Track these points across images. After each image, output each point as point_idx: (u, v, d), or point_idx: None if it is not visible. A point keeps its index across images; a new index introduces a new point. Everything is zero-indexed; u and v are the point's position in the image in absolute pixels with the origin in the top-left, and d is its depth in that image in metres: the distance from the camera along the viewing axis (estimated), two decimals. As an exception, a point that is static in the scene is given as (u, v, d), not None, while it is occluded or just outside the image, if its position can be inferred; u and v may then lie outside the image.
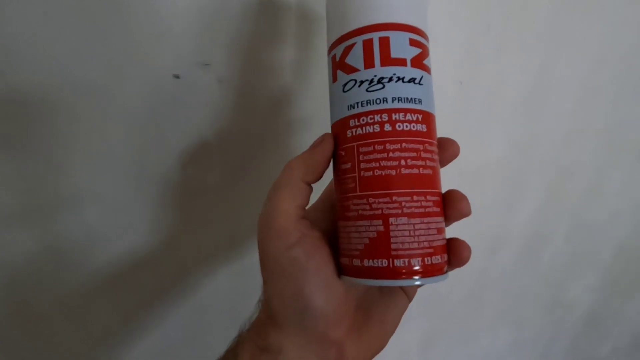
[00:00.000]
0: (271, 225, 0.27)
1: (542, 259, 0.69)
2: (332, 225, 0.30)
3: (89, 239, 0.40)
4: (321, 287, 0.27)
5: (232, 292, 0.49)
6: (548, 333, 0.83)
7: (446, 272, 0.27)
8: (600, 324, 0.86)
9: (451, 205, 0.28)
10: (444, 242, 0.27)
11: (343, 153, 0.27)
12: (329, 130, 0.30)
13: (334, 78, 0.28)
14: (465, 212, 0.28)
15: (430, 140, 0.27)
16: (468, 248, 0.28)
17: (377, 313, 0.31)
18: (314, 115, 0.43)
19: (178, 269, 0.45)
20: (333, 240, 0.29)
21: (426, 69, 0.27)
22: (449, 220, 0.28)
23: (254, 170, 0.43)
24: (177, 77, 0.36)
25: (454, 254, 0.28)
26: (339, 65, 0.28)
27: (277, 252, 0.27)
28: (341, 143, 0.28)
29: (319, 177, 0.29)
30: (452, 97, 0.47)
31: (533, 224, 0.63)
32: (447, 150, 0.29)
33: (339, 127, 0.28)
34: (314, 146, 0.29)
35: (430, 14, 0.29)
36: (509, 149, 0.54)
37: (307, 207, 0.30)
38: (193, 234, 0.44)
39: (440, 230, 0.27)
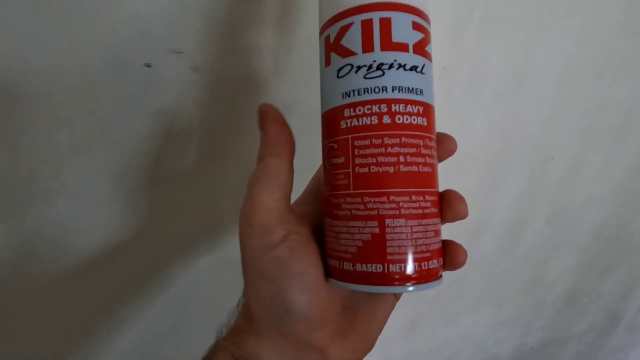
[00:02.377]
0: (251, 222, 0.25)
1: (523, 242, 0.69)
2: (321, 219, 0.27)
3: (61, 233, 0.38)
4: (305, 291, 0.25)
5: (213, 282, 0.48)
6: (528, 312, 0.85)
7: (441, 276, 0.26)
8: (577, 302, 0.89)
9: (449, 207, 0.26)
10: (440, 244, 0.26)
11: (335, 146, 0.25)
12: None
13: (326, 61, 0.25)
14: (462, 215, 0.26)
15: (430, 135, 0.25)
16: (464, 252, 0.26)
17: (364, 314, 0.29)
18: (295, 103, 0.40)
19: (156, 261, 0.44)
20: (322, 236, 0.27)
21: (428, 56, 0.25)
22: (444, 221, 0.26)
23: (232, 161, 0.41)
24: (148, 65, 0.34)
25: (450, 257, 0.26)
26: (333, 47, 0.25)
27: (258, 252, 0.25)
28: (333, 134, 0.25)
29: (291, 152, 0.27)
30: (435, 82, 0.46)
31: (514, 207, 0.63)
32: (443, 145, 0.27)
33: (331, 117, 0.25)
34: (262, 124, 0.27)
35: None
36: (491, 134, 0.54)
37: (292, 201, 0.28)
38: (170, 225, 0.43)
39: (437, 233, 0.25)
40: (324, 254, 0.26)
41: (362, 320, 0.28)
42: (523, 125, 0.54)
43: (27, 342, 0.43)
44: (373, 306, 0.29)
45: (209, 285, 0.48)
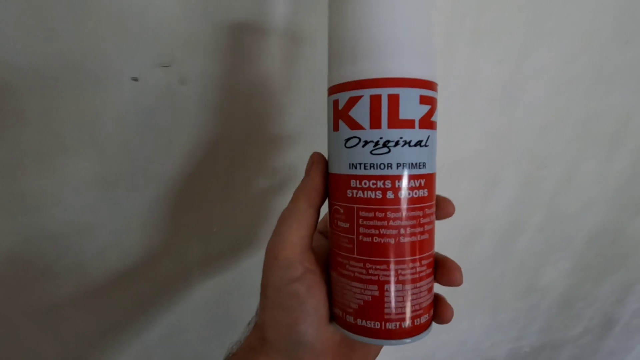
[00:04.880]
0: (277, 255, 0.28)
1: (518, 247, 0.70)
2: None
3: (62, 232, 0.39)
4: (314, 325, 0.28)
5: (203, 287, 0.49)
6: (523, 316, 0.86)
7: (431, 325, 0.28)
8: (572, 307, 0.90)
9: (446, 276, 0.28)
10: (432, 298, 0.28)
11: (341, 210, 0.26)
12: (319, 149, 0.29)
13: (334, 126, 0.27)
14: (457, 283, 0.29)
15: (430, 203, 0.26)
16: (451, 310, 0.29)
17: (359, 349, 0.32)
18: (294, 103, 0.41)
19: (150, 263, 0.45)
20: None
21: (433, 125, 0.26)
22: (438, 283, 0.29)
23: (220, 169, 0.42)
24: (135, 79, 0.34)
25: (438, 314, 0.29)
26: (341, 114, 0.26)
27: (280, 283, 0.27)
28: (339, 199, 0.27)
29: (324, 200, 0.29)
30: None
31: (509, 213, 0.64)
32: (441, 209, 0.29)
33: (338, 181, 0.27)
34: (309, 171, 0.29)
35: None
36: (484, 141, 0.54)
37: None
38: (162, 230, 0.43)
39: (430, 290, 0.28)
40: (331, 300, 0.29)
41: (357, 354, 0.31)
42: (516, 132, 0.55)
43: (19, 345, 0.44)
44: (368, 345, 0.32)
45: (200, 290, 0.49)
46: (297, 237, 0.28)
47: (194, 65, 0.36)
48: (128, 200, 0.40)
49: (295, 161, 0.44)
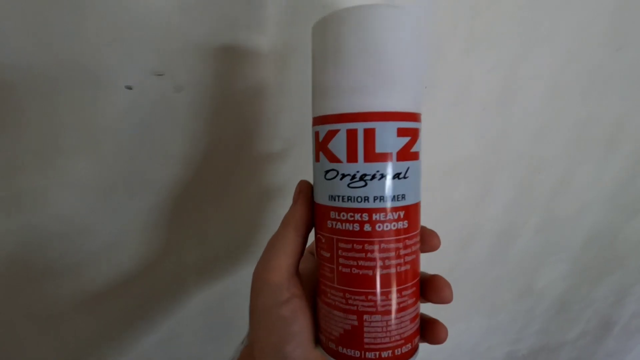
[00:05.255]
0: (265, 280, 0.28)
1: (515, 249, 0.71)
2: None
3: (62, 230, 0.39)
4: (300, 347, 0.28)
5: (200, 293, 0.50)
6: (520, 319, 0.86)
7: (416, 354, 0.28)
8: (570, 309, 0.90)
9: (435, 293, 0.29)
10: (417, 327, 0.28)
11: (323, 240, 0.27)
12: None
13: (316, 157, 0.27)
14: (447, 300, 0.29)
15: (411, 234, 0.26)
16: (445, 330, 0.29)
17: None
18: (287, 111, 0.42)
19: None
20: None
21: (414, 156, 0.26)
22: (429, 302, 0.29)
23: (214, 176, 0.42)
24: (129, 88, 0.34)
25: (432, 335, 0.29)
26: (321, 146, 0.26)
27: (266, 306, 0.28)
28: (322, 228, 0.27)
29: (311, 227, 0.30)
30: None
31: (505, 217, 0.64)
32: (426, 243, 0.29)
33: (320, 211, 0.27)
34: (296, 200, 0.30)
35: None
36: (479, 146, 0.55)
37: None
38: (159, 235, 0.44)
39: (414, 319, 0.28)
40: (317, 324, 0.29)
41: None
42: (512, 137, 0.55)
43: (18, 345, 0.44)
44: None
45: (198, 294, 0.49)
46: (284, 264, 0.28)
47: (189, 73, 0.36)
48: (126, 202, 0.40)
49: (289, 168, 0.44)
